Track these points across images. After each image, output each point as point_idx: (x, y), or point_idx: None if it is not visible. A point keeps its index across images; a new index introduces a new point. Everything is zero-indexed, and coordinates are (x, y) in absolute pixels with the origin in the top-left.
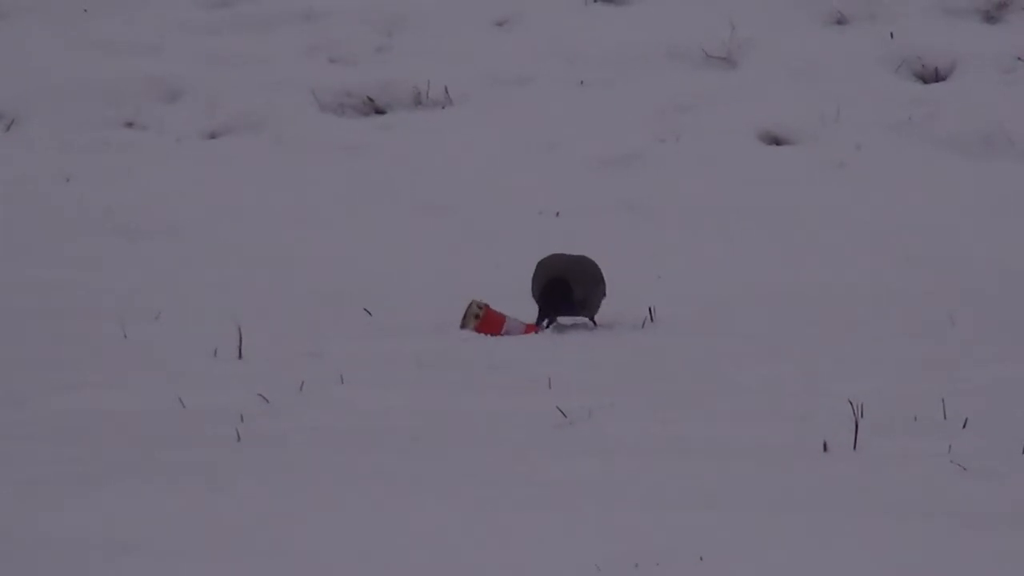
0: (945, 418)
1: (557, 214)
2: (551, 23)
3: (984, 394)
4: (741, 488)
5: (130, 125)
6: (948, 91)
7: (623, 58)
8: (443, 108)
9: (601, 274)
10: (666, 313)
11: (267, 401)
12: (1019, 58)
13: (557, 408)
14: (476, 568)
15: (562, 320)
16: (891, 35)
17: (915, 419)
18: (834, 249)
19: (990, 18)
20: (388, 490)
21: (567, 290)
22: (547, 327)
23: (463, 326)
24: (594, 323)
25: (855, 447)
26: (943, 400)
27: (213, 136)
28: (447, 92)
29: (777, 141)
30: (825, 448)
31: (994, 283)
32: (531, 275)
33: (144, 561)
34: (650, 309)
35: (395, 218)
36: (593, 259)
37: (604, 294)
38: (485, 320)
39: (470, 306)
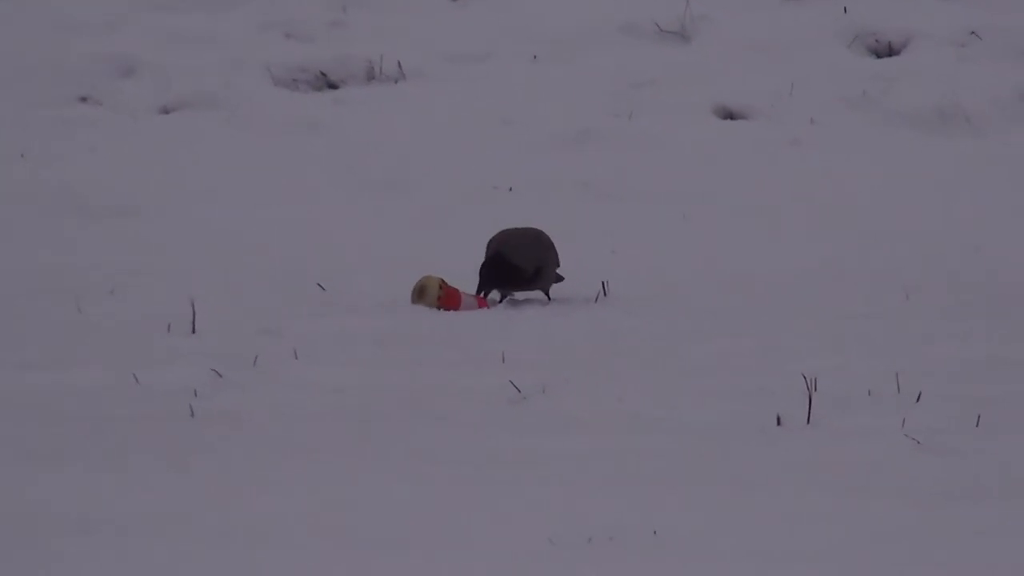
0: (899, 392)
1: (510, 189)
2: None
3: (938, 369)
4: (694, 463)
5: (84, 100)
6: (902, 66)
7: (578, 33)
8: (396, 83)
9: (551, 243)
10: (620, 289)
11: (220, 376)
12: (973, 32)
13: (511, 383)
14: (430, 541)
15: (516, 295)
16: (844, 10)
17: (869, 394)
18: (789, 224)
19: None
20: (342, 466)
21: (504, 264)
22: (500, 302)
23: (416, 301)
24: (548, 297)
25: (809, 421)
26: (897, 375)
27: (168, 112)
28: (400, 67)
29: (732, 116)
30: (779, 422)
31: (949, 258)
32: (483, 251)
33: (103, 539)
34: (603, 283)
35: (349, 193)
36: (543, 231)
37: (556, 263)
38: (446, 296)
39: (428, 282)
